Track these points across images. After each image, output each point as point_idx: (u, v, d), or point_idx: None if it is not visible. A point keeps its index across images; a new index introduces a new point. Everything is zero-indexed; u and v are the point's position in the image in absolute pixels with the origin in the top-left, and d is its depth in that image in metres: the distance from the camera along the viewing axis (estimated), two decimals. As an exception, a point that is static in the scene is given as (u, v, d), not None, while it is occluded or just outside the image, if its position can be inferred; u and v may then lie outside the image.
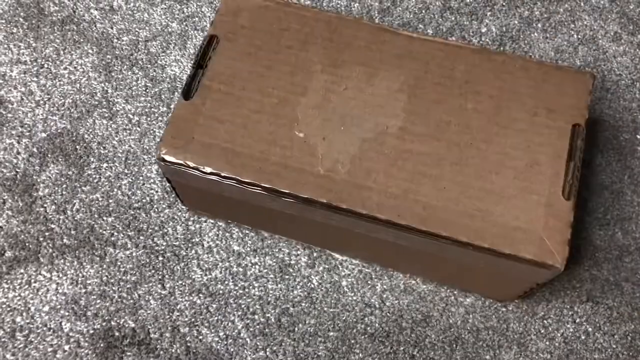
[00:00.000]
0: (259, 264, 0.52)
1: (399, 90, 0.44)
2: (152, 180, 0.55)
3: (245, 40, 0.45)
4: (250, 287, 0.51)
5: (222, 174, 0.41)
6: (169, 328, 0.50)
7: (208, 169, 0.41)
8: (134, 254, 0.52)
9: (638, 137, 0.57)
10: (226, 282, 0.51)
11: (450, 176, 0.41)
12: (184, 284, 0.51)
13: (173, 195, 0.54)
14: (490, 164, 0.41)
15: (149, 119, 0.57)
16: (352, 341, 0.49)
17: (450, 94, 0.43)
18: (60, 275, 0.51)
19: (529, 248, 0.39)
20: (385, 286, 0.51)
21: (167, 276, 0.51)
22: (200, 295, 0.51)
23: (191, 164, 0.41)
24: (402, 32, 0.45)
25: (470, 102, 0.43)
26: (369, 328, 0.50)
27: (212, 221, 0.53)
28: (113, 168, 0.55)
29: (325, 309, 0.50)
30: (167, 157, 0.42)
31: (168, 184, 0.49)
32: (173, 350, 0.49)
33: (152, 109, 0.57)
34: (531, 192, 0.41)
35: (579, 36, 0.61)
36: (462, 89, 0.44)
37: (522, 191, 0.41)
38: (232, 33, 0.45)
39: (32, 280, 0.51)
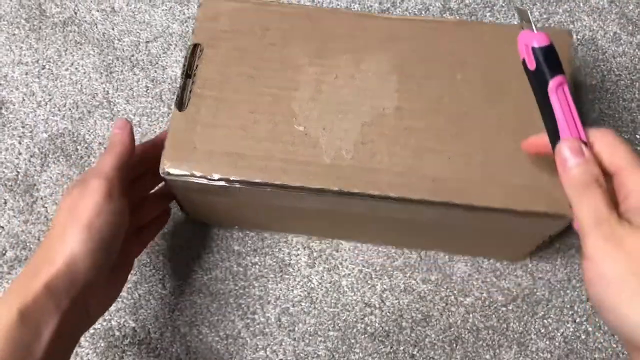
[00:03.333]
0: (259, 263, 0.52)
1: (389, 72, 0.44)
2: (152, 181, 0.55)
3: (229, 44, 0.45)
4: (251, 286, 0.51)
5: (231, 179, 0.41)
6: (169, 328, 0.50)
7: (216, 176, 0.41)
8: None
9: (638, 136, 0.57)
10: (226, 282, 0.51)
11: (452, 147, 0.42)
12: (184, 283, 0.51)
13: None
14: (488, 130, 0.42)
15: (149, 119, 0.57)
16: (352, 341, 0.50)
17: (438, 69, 0.44)
18: (61, 275, 0.51)
19: (540, 202, 0.40)
20: (385, 286, 0.51)
21: (167, 276, 0.51)
22: (201, 294, 0.51)
23: (198, 173, 0.41)
24: (381, 16, 0.46)
25: (458, 73, 0.44)
26: (369, 328, 0.50)
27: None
28: (114, 168, 0.55)
29: (325, 308, 0.51)
30: (172, 170, 0.41)
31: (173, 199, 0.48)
32: (173, 350, 0.49)
33: (153, 110, 0.58)
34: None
35: (579, 37, 0.62)
36: (448, 62, 0.45)
37: (520, 152, 0.41)
38: (215, 39, 0.45)
39: (33, 280, 0.51)
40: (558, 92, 0.35)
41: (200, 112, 0.43)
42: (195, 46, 0.45)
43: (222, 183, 0.41)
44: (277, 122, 0.43)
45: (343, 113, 0.43)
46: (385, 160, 0.42)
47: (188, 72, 0.44)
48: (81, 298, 0.38)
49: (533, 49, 0.35)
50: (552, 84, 0.34)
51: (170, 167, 0.41)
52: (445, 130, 0.42)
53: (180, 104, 0.43)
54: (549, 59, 0.35)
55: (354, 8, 0.63)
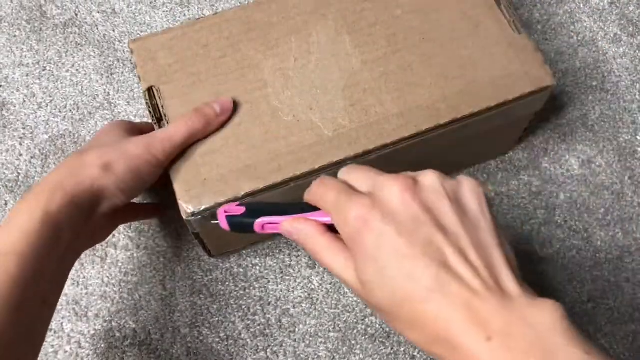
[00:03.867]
0: (260, 264, 0.52)
1: (338, 34, 0.46)
2: (153, 182, 0.55)
3: (181, 74, 0.45)
4: (251, 287, 0.51)
5: (255, 190, 0.41)
6: (170, 329, 0.50)
7: (241, 193, 0.41)
8: (135, 255, 0.52)
9: (638, 138, 0.57)
10: (227, 283, 0.51)
11: (427, 73, 0.45)
12: (184, 284, 0.51)
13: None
14: (449, 45, 0.46)
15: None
16: (353, 342, 0.49)
17: (377, 13, 0.47)
18: (62, 276, 0.51)
19: (524, 84, 0.44)
20: (385, 287, 0.51)
21: (168, 277, 0.51)
22: (201, 296, 0.51)
23: (222, 199, 0.41)
24: None
25: (397, 9, 0.47)
26: (369, 329, 0.50)
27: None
28: (114, 169, 0.55)
29: (326, 309, 0.50)
30: (197, 209, 0.41)
31: (195, 240, 0.48)
32: (174, 351, 0.49)
33: (154, 111, 0.58)
34: (492, 45, 0.46)
35: (579, 38, 0.62)
36: (383, 4, 0.47)
37: (485, 49, 0.45)
38: (165, 75, 0.45)
39: (34, 281, 0.51)
40: (265, 226, 0.34)
41: (191, 146, 0.42)
42: (149, 90, 0.44)
43: (249, 198, 0.41)
44: (266, 123, 0.43)
45: (320, 87, 0.44)
46: (380, 110, 0.43)
47: (158, 117, 0.43)
48: (97, 218, 0.40)
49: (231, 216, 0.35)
50: (257, 226, 0.34)
51: (193, 207, 0.41)
52: (413, 62, 0.45)
53: None
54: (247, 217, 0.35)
55: None
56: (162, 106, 0.44)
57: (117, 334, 0.49)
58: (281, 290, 0.51)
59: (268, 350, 0.49)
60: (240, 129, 0.43)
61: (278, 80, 0.44)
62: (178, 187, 0.41)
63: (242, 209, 0.35)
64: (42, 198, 0.37)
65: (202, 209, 0.41)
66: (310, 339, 0.50)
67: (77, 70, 0.60)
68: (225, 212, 0.35)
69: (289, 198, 0.44)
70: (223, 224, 0.35)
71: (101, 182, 0.39)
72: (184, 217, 0.41)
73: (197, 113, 0.42)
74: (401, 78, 0.44)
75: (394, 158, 0.44)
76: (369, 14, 0.47)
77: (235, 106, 0.43)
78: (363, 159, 0.43)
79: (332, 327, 0.50)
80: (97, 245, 0.52)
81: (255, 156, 0.42)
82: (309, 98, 0.44)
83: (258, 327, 0.50)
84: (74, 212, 0.38)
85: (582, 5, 0.63)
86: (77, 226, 0.39)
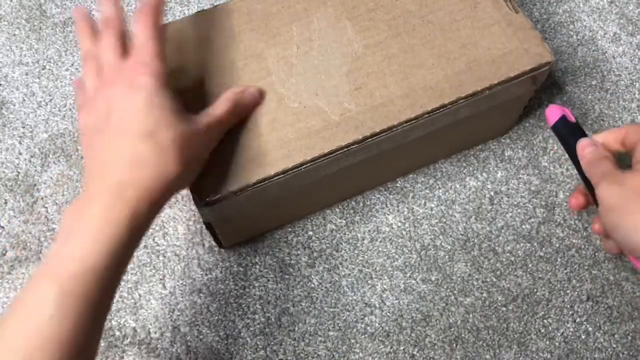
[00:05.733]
0: (259, 263, 0.52)
1: (338, 20, 0.47)
2: (153, 181, 0.55)
3: (184, 69, 0.45)
4: (251, 286, 0.51)
5: (269, 175, 0.41)
6: (170, 327, 0.50)
7: (252, 180, 0.41)
8: (134, 254, 0.52)
9: (638, 137, 0.57)
10: (226, 282, 0.51)
11: (429, 54, 0.45)
12: (184, 283, 0.51)
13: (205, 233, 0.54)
14: (448, 26, 0.46)
15: (150, 119, 0.57)
16: (352, 341, 0.50)
17: None
18: (61, 275, 0.51)
19: (525, 61, 0.45)
20: (385, 286, 0.51)
21: (167, 276, 0.51)
22: (201, 294, 0.51)
23: (235, 188, 0.41)
24: None
25: None
26: (369, 327, 0.50)
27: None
28: (114, 168, 0.55)
29: (326, 308, 0.51)
30: (210, 199, 0.41)
31: (208, 231, 0.48)
32: (173, 350, 0.49)
33: (153, 110, 0.58)
34: (490, 24, 0.46)
35: (579, 37, 0.62)
36: None
37: (484, 29, 0.46)
38: (168, 70, 0.45)
39: (33, 280, 0.51)
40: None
41: None
42: None
43: (276, 179, 0.42)
44: (273, 110, 0.43)
45: (324, 73, 0.45)
46: (384, 93, 0.44)
47: None
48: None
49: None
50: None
51: (216, 194, 0.41)
52: (414, 45, 0.46)
53: None
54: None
55: None
56: None
57: (117, 333, 0.50)
58: (281, 289, 0.51)
59: (267, 349, 0.49)
60: (247, 118, 0.43)
61: (282, 68, 0.45)
62: (195, 180, 0.42)
63: (573, 119, 0.43)
64: (127, 205, 0.34)
65: (214, 198, 0.41)
66: (310, 337, 0.50)
67: (76, 69, 0.60)
68: (563, 112, 0.43)
69: (301, 183, 0.44)
70: (551, 118, 0.43)
71: (182, 180, 0.38)
72: (198, 207, 0.41)
73: (239, 93, 0.42)
74: (403, 60, 0.45)
75: (402, 139, 0.45)
76: None
77: None
78: (371, 141, 0.43)
79: (332, 325, 0.50)
80: (97, 244, 0.52)
81: (264, 144, 0.42)
82: (314, 84, 0.44)
83: (258, 326, 0.50)
84: (155, 215, 0.36)
85: (581, 4, 0.63)
86: (150, 226, 0.37)
